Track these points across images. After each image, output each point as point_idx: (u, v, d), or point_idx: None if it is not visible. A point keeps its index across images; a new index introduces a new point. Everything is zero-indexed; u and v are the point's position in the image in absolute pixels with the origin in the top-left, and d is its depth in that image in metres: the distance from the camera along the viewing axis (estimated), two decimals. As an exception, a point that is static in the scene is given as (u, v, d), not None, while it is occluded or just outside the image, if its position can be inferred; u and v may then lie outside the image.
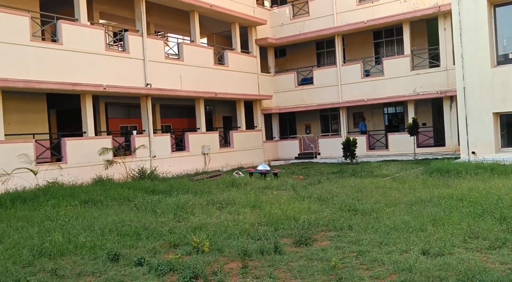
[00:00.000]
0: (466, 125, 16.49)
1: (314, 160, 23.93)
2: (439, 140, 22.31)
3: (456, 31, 16.53)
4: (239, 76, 23.59)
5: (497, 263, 5.23)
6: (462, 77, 16.49)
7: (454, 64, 17.79)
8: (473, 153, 16.21)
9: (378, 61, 24.44)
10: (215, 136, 22.25)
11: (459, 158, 16.89)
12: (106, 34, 18.15)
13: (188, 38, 22.99)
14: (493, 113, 16.07)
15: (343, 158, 21.32)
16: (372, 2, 23.26)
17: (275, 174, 15.98)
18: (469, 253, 5.65)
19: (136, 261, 6.04)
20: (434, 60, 21.98)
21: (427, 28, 23.12)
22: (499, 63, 16.32)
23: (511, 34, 16.60)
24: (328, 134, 26.10)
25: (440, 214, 7.78)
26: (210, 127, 24.24)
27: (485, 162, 14.50)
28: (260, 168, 16.85)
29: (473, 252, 5.72)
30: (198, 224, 8.15)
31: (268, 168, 16.92)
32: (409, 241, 6.30)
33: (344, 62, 24.62)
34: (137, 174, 16.47)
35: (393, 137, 22.88)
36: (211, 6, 21.21)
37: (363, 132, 24.35)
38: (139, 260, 6.06)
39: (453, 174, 13.03)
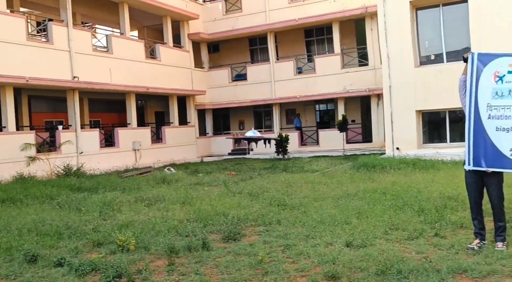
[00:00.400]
0: (391, 122, 17.23)
1: (247, 156, 24.03)
2: (367, 136, 23.19)
3: (382, 32, 17.22)
4: (172, 71, 23.20)
5: (413, 253, 5.49)
6: (388, 76, 17.21)
7: (381, 63, 18.51)
8: (397, 148, 16.98)
9: (310, 59, 24.97)
10: (146, 132, 21.76)
11: (385, 153, 17.63)
12: (28, 23, 17.17)
13: (118, 31, 22.27)
14: (415, 111, 16.91)
15: (276, 154, 21.57)
16: (304, 1, 23.70)
17: (268, 141, 14.34)
18: (389, 244, 5.88)
19: (55, 261, 5.74)
20: (363, 59, 22.80)
21: (356, 28, 23.93)
22: (422, 63, 17.20)
23: (433, 36, 17.51)
24: (262, 131, 26.30)
25: (365, 207, 8.06)
26: (141, 122, 23.66)
27: (408, 157, 15.22)
28: (249, 134, 15.36)
29: (393, 242, 5.96)
30: (124, 222, 7.90)
31: (259, 134, 15.36)
32: (335, 234, 6.46)
33: (277, 59, 24.94)
34: (62, 171, 15.76)
35: (324, 134, 23.49)
36: (141, -3, 20.69)
37: (298, 128, 24.78)
38: (59, 261, 5.76)
39: (379, 169, 13.56)
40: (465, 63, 5.65)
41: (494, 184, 5.57)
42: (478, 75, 5.48)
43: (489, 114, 5.41)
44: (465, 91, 5.61)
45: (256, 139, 13.89)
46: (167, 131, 22.87)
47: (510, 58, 5.40)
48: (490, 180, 5.57)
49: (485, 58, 5.49)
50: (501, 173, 5.56)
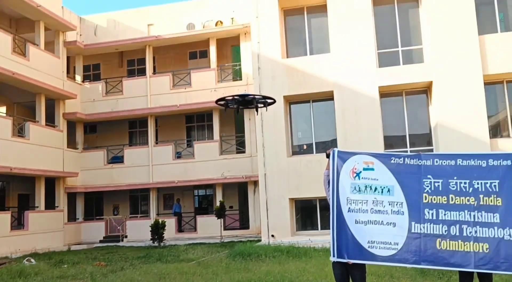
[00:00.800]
0: (267, 209, 17.64)
1: (121, 243, 22.67)
2: (244, 223, 23.38)
3: (258, 123, 18.11)
4: (42, 150, 21.72)
5: None
6: (264, 165, 17.87)
7: (257, 151, 19.25)
8: (273, 236, 17.26)
9: (189, 144, 25.19)
10: (5, 217, 19.62)
11: (261, 240, 17.78)
12: None
13: (-17, 106, 20.64)
14: (289, 199, 17.56)
15: (151, 241, 20.66)
16: (186, 88, 24.31)
17: (265, 104, 11.13)
18: None
19: None
20: (241, 146, 23.59)
21: (235, 116, 24.92)
22: (294, 153, 18.24)
23: (304, 128, 18.82)
24: (137, 216, 25.26)
25: (237, 300, 7.85)
26: (1, 206, 21.37)
27: (282, 244, 15.48)
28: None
29: None
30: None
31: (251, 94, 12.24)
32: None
33: (157, 143, 24.76)
34: None
35: (201, 220, 23.22)
36: (13, 74, 19.61)
37: (177, 213, 24.20)
38: None
39: (254, 257, 13.53)
40: (328, 159, 6.06)
41: (358, 274, 5.79)
42: (338, 171, 5.88)
43: (349, 208, 5.76)
44: (329, 185, 5.96)
45: (250, 101, 10.96)
46: (30, 216, 20.85)
47: (365, 156, 5.91)
48: (354, 270, 5.78)
49: (344, 155, 5.94)
50: (363, 264, 5.83)
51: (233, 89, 23.57)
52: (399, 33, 17.72)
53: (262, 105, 11.28)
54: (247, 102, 11.08)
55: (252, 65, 19.00)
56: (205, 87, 23.93)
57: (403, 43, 17.68)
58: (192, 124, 26.10)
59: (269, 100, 11.29)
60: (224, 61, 25.52)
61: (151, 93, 24.64)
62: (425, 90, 17.38)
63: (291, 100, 18.40)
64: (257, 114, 12.23)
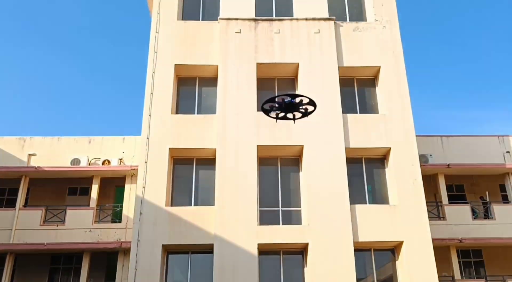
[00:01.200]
0: None
1: None
2: None
3: (131, 272, 16.96)
4: None
5: None
6: (132, 320, 16.34)
7: (126, 304, 17.73)
8: None
9: (51, 290, 22.55)
10: None
11: None
12: None
13: None
14: None
15: None
16: (57, 225, 22.52)
17: (309, 110, 9.40)
18: None
19: None
20: (109, 296, 21.62)
21: (108, 262, 23.22)
22: (167, 310, 17.05)
23: (180, 279, 17.93)
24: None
25: None
26: None
27: None
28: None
29: None
30: None
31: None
32: None
33: (11, 286, 21.83)
34: None
35: None
36: None
37: None
38: None
39: None
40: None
41: None
42: None
43: None
44: None
45: (293, 106, 8.55)
46: None
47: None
48: None
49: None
50: None
51: (110, 231, 22.48)
52: (281, 194, 18.72)
53: (301, 115, 9.81)
54: (289, 108, 9.71)
55: (134, 209, 18.42)
56: (79, 227, 22.35)
57: (283, 204, 18.57)
58: (57, 266, 23.60)
59: (310, 108, 9.79)
60: (106, 201, 24.48)
61: (17, 227, 22.38)
62: (302, 251, 17.91)
63: (170, 250, 17.78)
64: (294, 123, 10.35)
